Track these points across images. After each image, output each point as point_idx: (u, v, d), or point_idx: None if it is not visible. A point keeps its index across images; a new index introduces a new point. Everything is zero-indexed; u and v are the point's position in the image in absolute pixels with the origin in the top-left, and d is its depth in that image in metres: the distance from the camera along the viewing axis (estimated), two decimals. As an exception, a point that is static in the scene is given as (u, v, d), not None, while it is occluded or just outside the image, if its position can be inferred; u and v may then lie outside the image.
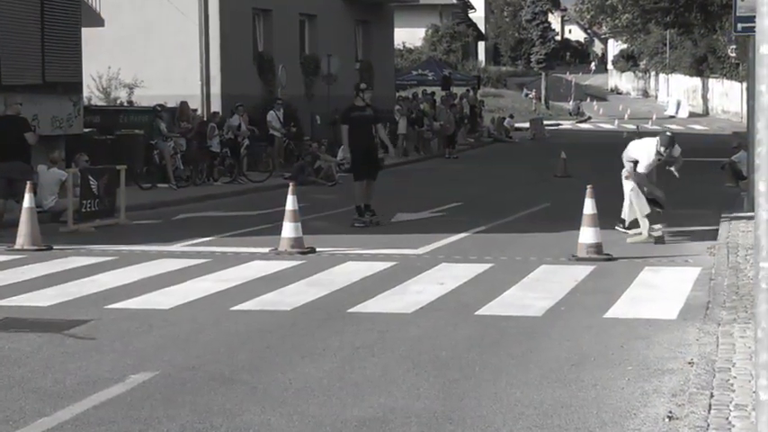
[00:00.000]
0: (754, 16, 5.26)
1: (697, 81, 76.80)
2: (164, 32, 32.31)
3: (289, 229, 15.01)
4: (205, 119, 29.34)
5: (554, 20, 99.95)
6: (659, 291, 11.92)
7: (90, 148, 22.98)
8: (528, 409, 7.36)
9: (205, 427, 6.99)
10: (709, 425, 6.58)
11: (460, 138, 43.38)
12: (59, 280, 12.74)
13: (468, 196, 23.89)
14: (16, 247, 15.29)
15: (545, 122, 56.61)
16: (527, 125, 53.95)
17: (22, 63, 22.97)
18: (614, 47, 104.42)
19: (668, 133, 16.50)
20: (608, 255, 14.15)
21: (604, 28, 71.69)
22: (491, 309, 10.93)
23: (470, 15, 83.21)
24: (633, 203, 15.76)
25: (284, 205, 15.23)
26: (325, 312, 10.76)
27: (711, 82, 73.55)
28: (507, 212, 20.25)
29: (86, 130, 25.84)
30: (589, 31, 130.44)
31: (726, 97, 70.55)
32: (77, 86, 25.34)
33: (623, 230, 16.15)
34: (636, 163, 16.00)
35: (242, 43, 33.77)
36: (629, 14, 48.28)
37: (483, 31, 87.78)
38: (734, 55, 59.03)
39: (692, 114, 72.94)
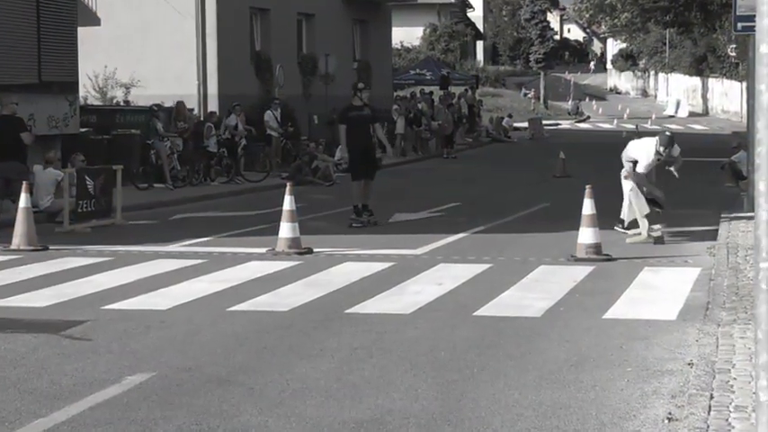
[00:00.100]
0: (754, 15, 5.24)
1: (697, 80, 76.79)
2: (160, 31, 32.26)
3: (286, 230, 14.97)
4: (202, 118, 29.29)
5: (553, 19, 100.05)
6: (659, 291, 11.90)
7: (86, 148, 22.95)
8: (526, 410, 7.33)
9: (202, 429, 6.97)
10: (708, 426, 6.56)
11: (459, 138, 43.35)
12: (55, 280, 12.70)
13: (467, 196, 23.86)
14: (12, 247, 15.25)
15: (544, 122, 56.61)
16: (526, 125, 53.92)
17: (18, 62, 22.94)
18: (613, 46, 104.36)
19: (667, 133, 16.47)
20: (607, 255, 14.11)
21: (603, 27, 71.75)
22: (489, 309, 10.90)
23: (469, 14, 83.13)
24: (632, 203, 15.72)
25: (281, 205, 15.20)
26: (323, 313, 10.73)
27: (711, 81, 73.53)
28: (506, 213, 20.22)
29: (83, 129, 25.81)
30: (588, 30, 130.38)
31: (725, 97, 70.54)
32: (74, 86, 25.31)
33: (622, 231, 16.11)
34: (635, 163, 15.97)
35: (239, 42, 33.72)
36: (628, 13, 48.29)
37: (481, 30, 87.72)
38: (734, 54, 59.07)
39: (691, 114, 72.94)
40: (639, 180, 15.87)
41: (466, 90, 50.24)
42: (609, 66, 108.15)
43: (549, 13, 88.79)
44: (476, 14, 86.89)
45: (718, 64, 69.20)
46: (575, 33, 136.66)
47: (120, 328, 10.00)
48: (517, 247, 15.52)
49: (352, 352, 9.07)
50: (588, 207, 14.17)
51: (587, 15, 53.19)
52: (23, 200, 15.45)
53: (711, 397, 7.16)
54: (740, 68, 59.68)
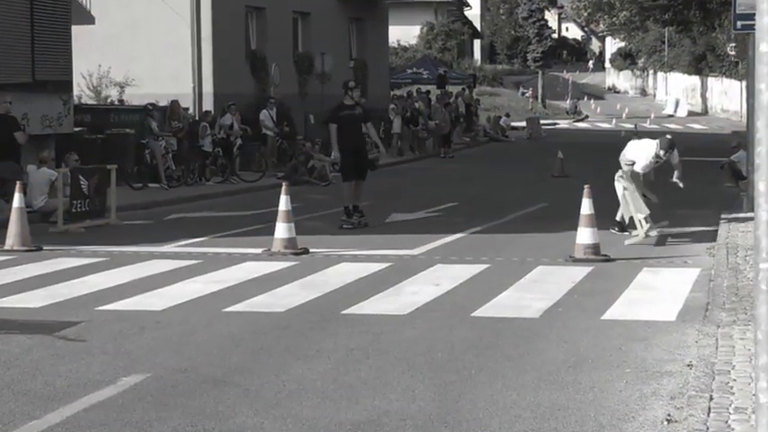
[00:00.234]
0: (754, 14, 5.22)
1: (696, 79, 76.83)
2: (155, 30, 32.20)
3: (282, 230, 14.91)
4: (197, 118, 29.23)
5: (551, 17, 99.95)
6: (658, 292, 11.87)
7: (80, 148, 22.86)
8: (525, 411, 7.30)
9: (197, 430, 6.94)
10: (708, 428, 6.55)
11: (456, 137, 43.32)
12: (50, 281, 12.66)
13: (464, 196, 23.83)
14: (6, 247, 15.20)
15: (542, 121, 56.63)
16: (523, 124, 53.93)
17: (11, 61, 22.87)
18: (612, 45, 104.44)
19: (668, 136, 16.41)
20: (606, 255, 14.07)
21: (602, 26, 71.73)
22: (487, 310, 10.87)
23: (466, 13, 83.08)
24: (630, 204, 15.65)
25: (277, 205, 15.14)
26: (319, 314, 10.70)
27: (710, 80, 73.56)
28: (504, 213, 20.19)
29: (77, 129, 25.74)
30: (586, 28, 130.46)
31: (725, 96, 70.56)
32: (68, 85, 25.25)
33: (618, 233, 16.06)
34: (633, 164, 15.93)
35: (234, 41, 33.67)
36: (626, 12, 48.31)
37: (479, 28, 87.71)
38: (733, 53, 59.07)
39: (690, 113, 73.00)
40: (635, 181, 15.81)
41: (463, 89, 50.24)
42: (607, 65, 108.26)
43: (546, 12, 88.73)
44: (473, 13, 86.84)
45: (717, 63, 69.20)
46: (573, 32, 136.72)
47: (115, 329, 9.97)
48: (515, 248, 15.48)
49: (349, 353, 9.04)
50: (586, 207, 14.13)
51: (585, 14, 53.20)
52: (17, 200, 15.39)
53: (711, 398, 7.14)
54: (740, 67, 59.69)
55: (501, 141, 48.36)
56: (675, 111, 74.37)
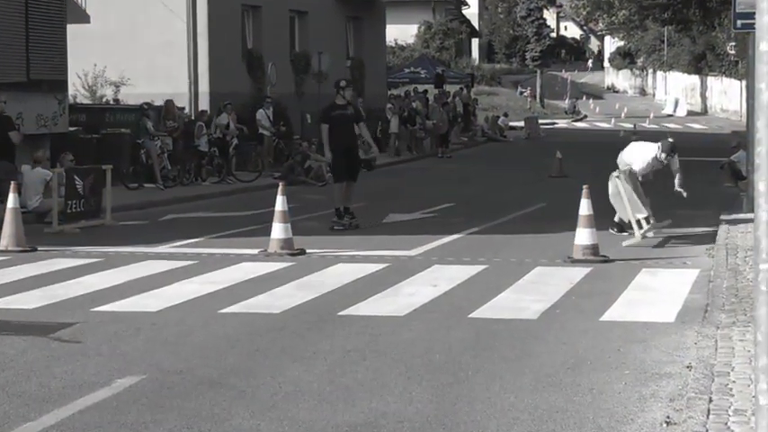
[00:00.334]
0: (754, 13, 5.21)
1: (695, 79, 76.85)
2: (151, 29, 32.16)
3: (278, 230, 14.86)
4: (193, 117, 29.17)
5: (549, 16, 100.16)
6: (657, 293, 11.85)
7: (75, 148, 22.79)
8: (522, 413, 7.28)
9: (192, 433, 6.91)
10: (707, 430, 6.54)
11: (454, 137, 43.29)
12: (44, 282, 12.63)
13: (462, 196, 23.80)
14: (0, 248, 15.11)
15: (540, 121, 56.59)
16: (522, 124, 53.90)
17: (6, 60, 22.82)
18: (611, 44, 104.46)
19: (670, 140, 16.36)
20: (604, 256, 14.03)
21: (601, 25, 71.63)
22: (485, 311, 10.84)
23: (464, 12, 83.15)
24: (627, 205, 15.60)
25: (274, 206, 15.12)
26: (316, 315, 10.66)
27: (710, 80, 73.57)
28: (502, 213, 20.16)
29: (72, 128, 25.71)
30: (585, 27, 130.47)
31: (725, 95, 70.56)
32: (63, 84, 25.21)
33: (617, 233, 16.02)
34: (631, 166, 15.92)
35: (231, 40, 33.63)
36: (625, 11, 48.25)
37: (477, 27, 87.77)
38: (733, 52, 59.07)
39: (690, 113, 73.03)
40: (633, 182, 15.77)
41: (461, 88, 50.18)
42: (606, 64, 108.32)
43: (545, 11, 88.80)
44: (471, 12, 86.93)
45: (717, 62, 69.18)
46: (571, 31, 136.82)
47: (111, 330, 9.94)
48: (513, 248, 15.45)
49: (346, 354, 9.01)
50: (585, 207, 14.09)
51: (584, 12, 53.13)
52: (11, 200, 15.35)
53: (710, 400, 7.13)
54: (739, 67, 59.69)
55: (499, 141, 48.33)
56: (675, 110, 74.40)
